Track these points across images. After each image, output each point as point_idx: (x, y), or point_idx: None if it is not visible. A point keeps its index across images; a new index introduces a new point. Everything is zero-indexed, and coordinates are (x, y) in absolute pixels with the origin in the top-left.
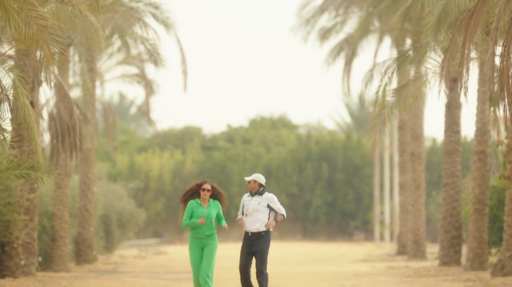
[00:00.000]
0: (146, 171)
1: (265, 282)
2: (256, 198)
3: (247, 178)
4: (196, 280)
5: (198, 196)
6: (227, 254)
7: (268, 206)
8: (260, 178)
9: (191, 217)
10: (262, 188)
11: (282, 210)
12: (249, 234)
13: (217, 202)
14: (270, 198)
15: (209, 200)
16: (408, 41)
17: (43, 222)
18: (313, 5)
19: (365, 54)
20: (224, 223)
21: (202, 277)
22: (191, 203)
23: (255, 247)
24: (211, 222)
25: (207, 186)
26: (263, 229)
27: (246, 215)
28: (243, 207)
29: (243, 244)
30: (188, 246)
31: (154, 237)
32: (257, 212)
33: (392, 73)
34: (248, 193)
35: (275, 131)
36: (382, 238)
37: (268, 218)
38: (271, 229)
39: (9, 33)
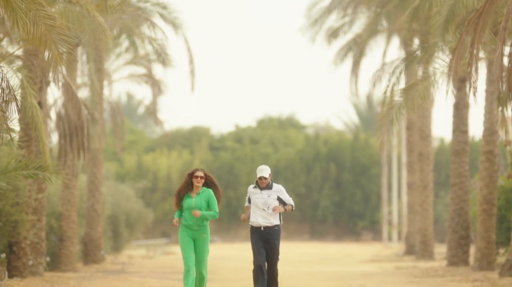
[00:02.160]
0: (154, 171)
1: (276, 277)
2: (266, 191)
3: (264, 174)
4: (187, 269)
5: (192, 188)
6: (234, 254)
7: (278, 198)
8: (269, 170)
9: (181, 209)
10: (271, 181)
11: (290, 201)
12: (262, 228)
13: (209, 190)
14: (279, 189)
15: (201, 189)
16: (416, 41)
17: (51, 222)
18: (322, 5)
19: (373, 54)
20: (200, 211)
21: (198, 273)
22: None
23: (267, 242)
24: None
25: (199, 173)
26: (277, 223)
27: (257, 210)
28: (249, 198)
29: (254, 237)
30: (179, 234)
31: (162, 237)
32: (267, 205)
33: (400, 73)
34: (254, 185)
35: (283, 131)
36: (390, 238)
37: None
38: (277, 212)
39: (17, 33)
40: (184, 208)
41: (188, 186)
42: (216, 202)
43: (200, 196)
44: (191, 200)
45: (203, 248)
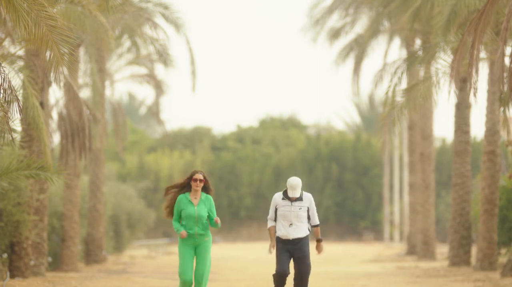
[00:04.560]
0: (156, 171)
1: None
2: (297, 203)
3: (296, 194)
4: (184, 280)
5: (189, 189)
6: (236, 254)
7: (307, 208)
8: (301, 184)
9: (179, 215)
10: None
11: (316, 217)
12: (290, 239)
13: (209, 197)
14: (310, 199)
15: (201, 195)
16: (418, 41)
17: (53, 222)
18: (323, 6)
19: (375, 54)
20: (216, 219)
21: (197, 278)
22: (181, 198)
23: (297, 252)
24: (203, 222)
25: (199, 176)
26: (307, 233)
27: (286, 222)
28: (275, 210)
29: (280, 247)
30: (178, 244)
31: (164, 237)
32: (298, 218)
33: (402, 73)
34: (283, 197)
35: (285, 131)
36: (391, 238)
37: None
38: (319, 253)
39: (19, 33)
40: (185, 216)
41: (183, 190)
42: (215, 209)
43: (204, 204)
44: (193, 209)
45: (204, 255)
